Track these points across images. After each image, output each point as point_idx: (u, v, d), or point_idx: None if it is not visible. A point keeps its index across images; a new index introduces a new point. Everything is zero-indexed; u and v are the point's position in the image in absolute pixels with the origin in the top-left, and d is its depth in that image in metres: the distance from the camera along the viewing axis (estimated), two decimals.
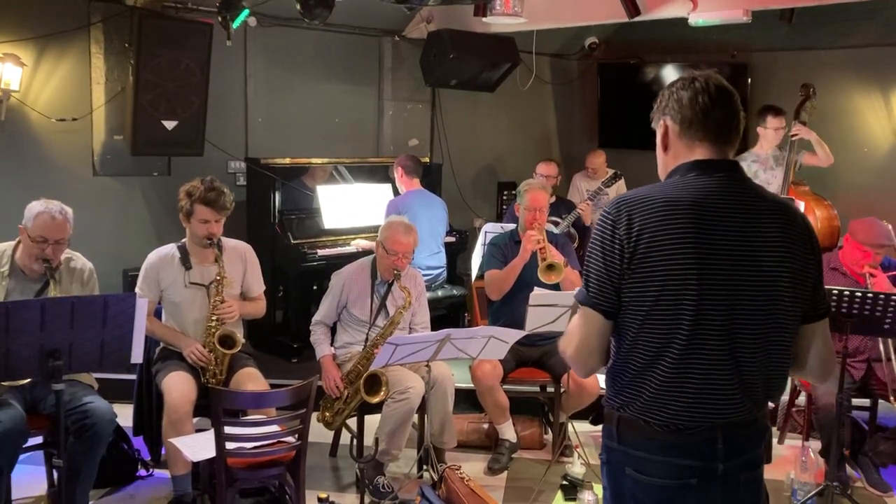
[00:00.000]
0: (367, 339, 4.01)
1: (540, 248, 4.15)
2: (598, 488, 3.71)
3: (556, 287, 4.09)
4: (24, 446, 3.31)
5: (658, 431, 1.81)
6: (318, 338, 4.08)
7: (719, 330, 1.77)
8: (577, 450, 4.02)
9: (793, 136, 5.24)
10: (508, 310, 4.17)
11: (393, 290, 4.08)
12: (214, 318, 3.70)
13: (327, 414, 4.02)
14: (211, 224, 3.68)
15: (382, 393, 3.76)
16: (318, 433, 3.95)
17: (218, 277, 3.71)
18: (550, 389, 4.44)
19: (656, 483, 1.83)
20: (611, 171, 6.52)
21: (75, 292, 3.48)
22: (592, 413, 4.53)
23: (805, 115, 5.25)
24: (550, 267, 4.10)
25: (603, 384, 4.68)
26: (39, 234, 3.34)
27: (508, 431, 4.26)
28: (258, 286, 3.97)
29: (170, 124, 5.26)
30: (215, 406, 3.11)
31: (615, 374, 1.88)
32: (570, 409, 4.17)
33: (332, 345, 4.11)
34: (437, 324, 4.44)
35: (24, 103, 5.06)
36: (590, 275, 1.84)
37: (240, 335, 3.77)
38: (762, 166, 5.36)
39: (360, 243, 5.61)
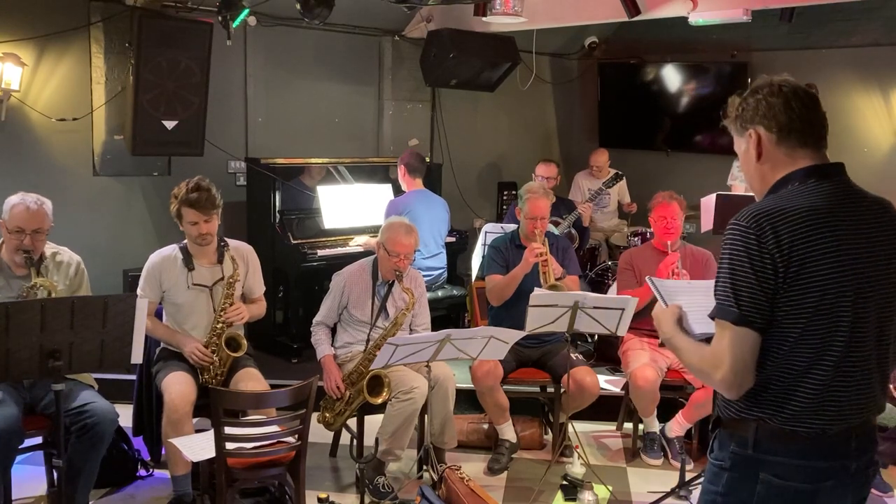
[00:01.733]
0: (368, 340, 4.01)
1: (542, 262, 4.15)
2: (599, 488, 3.72)
3: None
4: (21, 447, 3.31)
5: (803, 438, 1.81)
6: (319, 338, 4.08)
7: (868, 333, 1.80)
8: (577, 450, 4.02)
9: None
10: (509, 315, 4.14)
11: (393, 292, 4.08)
12: (222, 320, 3.69)
13: (327, 415, 4.01)
14: (200, 225, 3.65)
15: (385, 394, 3.75)
16: (318, 433, 3.95)
17: (231, 280, 3.71)
18: (550, 390, 4.44)
19: (795, 487, 1.82)
20: (612, 171, 6.53)
21: (61, 286, 3.48)
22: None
23: None
24: (552, 288, 4.07)
25: (604, 384, 4.65)
26: (16, 225, 3.35)
27: (508, 432, 4.26)
28: (259, 287, 3.96)
29: (170, 124, 5.26)
30: (215, 406, 3.10)
31: (758, 389, 1.83)
32: (570, 409, 4.17)
33: (332, 344, 4.11)
34: (437, 324, 4.44)
35: (24, 103, 5.06)
36: (739, 291, 1.77)
37: (244, 339, 3.77)
38: None
39: (366, 241, 5.55)
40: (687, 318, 2.01)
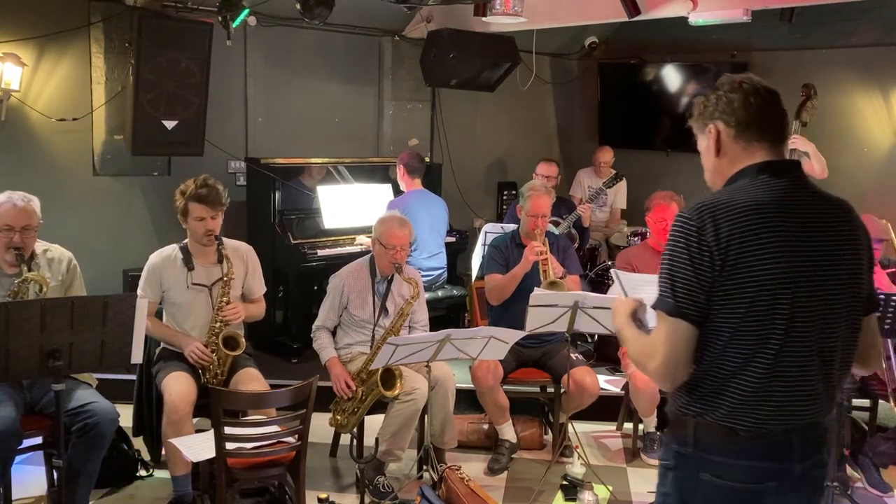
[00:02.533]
0: (373, 337, 4.01)
1: (542, 261, 4.15)
2: (599, 488, 3.72)
3: None
4: (20, 447, 3.30)
5: (742, 437, 1.79)
6: (322, 343, 4.05)
7: (809, 333, 1.78)
8: (577, 450, 4.02)
9: (791, 147, 5.22)
10: (509, 315, 4.14)
11: (392, 289, 4.08)
12: (219, 319, 3.69)
13: (339, 417, 3.96)
14: (207, 221, 3.67)
15: (399, 385, 3.74)
16: (318, 433, 3.95)
17: (225, 279, 3.71)
18: (550, 390, 4.44)
19: (736, 487, 1.81)
20: (612, 172, 6.53)
21: (53, 283, 3.49)
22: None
23: (806, 116, 5.24)
24: (552, 285, 4.07)
25: (604, 384, 4.64)
26: (5, 223, 3.35)
27: (508, 432, 4.26)
28: (259, 287, 3.97)
29: (170, 124, 5.26)
30: (215, 406, 3.10)
31: (694, 383, 1.83)
32: (570, 409, 4.17)
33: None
34: (437, 324, 4.44)
35: (24, 103, 5.06)
36: (676, 283, 1.77)
37: (243, 337, 3.77)
38: None
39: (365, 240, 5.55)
40: (645, 311, 2.01)
